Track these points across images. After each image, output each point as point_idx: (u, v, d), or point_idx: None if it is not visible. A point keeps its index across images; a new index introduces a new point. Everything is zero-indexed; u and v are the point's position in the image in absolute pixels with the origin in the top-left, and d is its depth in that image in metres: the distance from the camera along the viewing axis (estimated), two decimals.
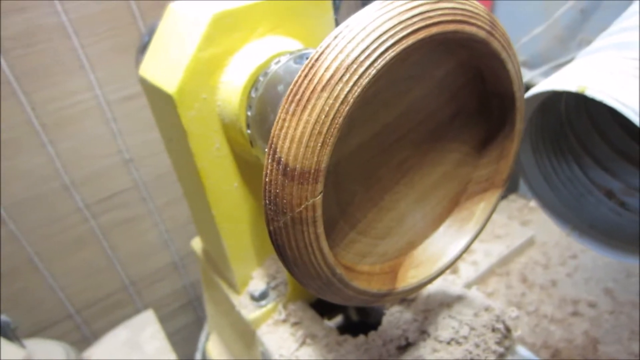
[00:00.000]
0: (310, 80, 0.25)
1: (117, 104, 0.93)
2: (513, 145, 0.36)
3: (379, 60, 0.25)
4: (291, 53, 0.41)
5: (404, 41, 0.25)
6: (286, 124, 0.25)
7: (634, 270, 0.78)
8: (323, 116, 0.25)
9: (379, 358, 0.44)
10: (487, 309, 0.43)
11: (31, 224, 0.92)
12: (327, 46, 0.25)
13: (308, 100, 0.25)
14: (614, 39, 0.45)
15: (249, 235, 0.52)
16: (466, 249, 0.38)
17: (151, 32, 0.56)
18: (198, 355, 0.86)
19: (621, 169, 0.51)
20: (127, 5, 0.88)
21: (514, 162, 0.37)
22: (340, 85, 0.24)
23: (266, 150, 0.26)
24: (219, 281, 0.59)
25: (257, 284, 0.53)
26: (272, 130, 0.26)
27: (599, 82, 0.38)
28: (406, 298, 0.48)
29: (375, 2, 0.26)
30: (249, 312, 0.52)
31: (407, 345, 0.44)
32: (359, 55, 0.25)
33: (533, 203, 0.98)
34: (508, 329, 0.42)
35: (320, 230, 0.27)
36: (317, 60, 0.25)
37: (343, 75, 0.24)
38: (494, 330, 0.42)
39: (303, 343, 0.48)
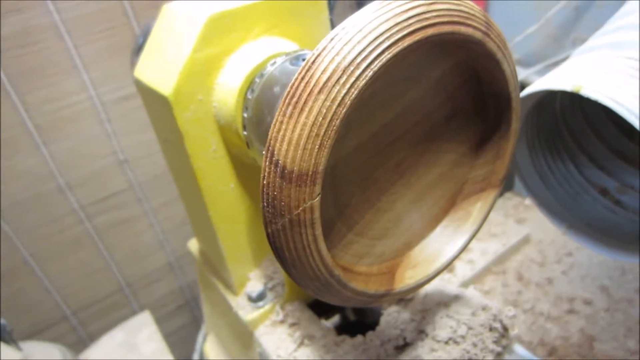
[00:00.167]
0: (307, 83, 0.25)
1: (111, 105, 0.93)
2: (509, 145, 0.36)
3: (376, 62, 0.25)
4: (287, 54, 0.41)
5: (400, 43, 0.25)
6: (283, 127, 0.25)
7: (629, 268, 0.78)
8: (320, 118, 0.25)
9: (377, 358, 0.44)
10: (484, 308, 0.43)
11: (26, 226, 0.91)
12: (324, 48, 0.25)
13: (305, 102, 0.25)
14: (609, 38, 0.45)
15: (245, 236, 0.52)
16: (463, 249, 0.38)
17: (146, 33, 0.56)
18: (195, 356, 0.86)
19: (616, 168, 0.51)
20: (121, 5, 0.87)
21: (510, 162, 0.37)
22: (337, 87, 0.24)
23: (263, 152, 0.26)
24: (216, 282, 0.59)
25: (255, 285, 0.53)
26: (270, 133, 0.26)
27: (594, 81, 0.38)
28: (404, 298, 0.48)
29: (371, 3, 0.26)
30: (247, 313, 0.52)
31: (405, 345, 0.44)
32: (355, 58, 0.25)
33: (528, 201, 0.98)
34: (505, 328, 0.43)
35: (318, 232, 0.27)
36: (313, 62, 0.25)
37: (340, 77, 0.24)
38: (491, 329, 0.42)
39: (301, 344, 0.48)
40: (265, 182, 0.26)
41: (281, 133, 0.25)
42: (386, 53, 0.25)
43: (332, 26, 0.49)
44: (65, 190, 0.93)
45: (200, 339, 0.88)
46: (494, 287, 0.81)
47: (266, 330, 0.52)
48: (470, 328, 0.42)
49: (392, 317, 0.46)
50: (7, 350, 0.69)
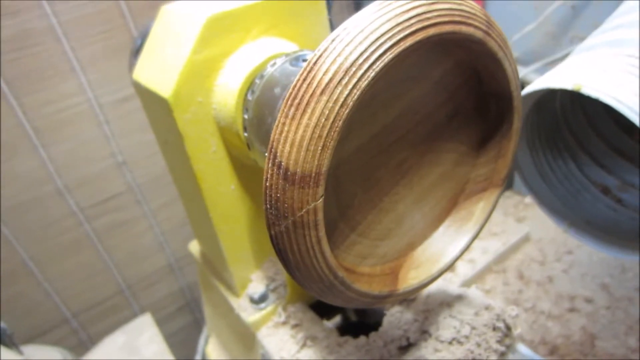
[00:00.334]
0: (309, 84, 0.25)
1: (109, 107, 0.93)
2: (511, 144, 0.36)
3: (378, 63, 0.25)
4: (287, 55, 0.40)
5: (401, 43, 0.25)
6: (286, 128, 0.25)
7: (630, 266, 0.78)
8: (323, 120, 0.24)
9: (380, 359, 0.44)
10: (487, 307, 0.43)
11: (25, 228, 0.91)
12: (325, 49, 0.25)
13: (307, 104, 0.25)
14: (608, 36, 0.45)
15: (247, 238, 0.51)
16: (466, 248, 0.38)
17: (144, 35, 0.56)
18: (198, 358, 0.86)
19: (617, 166, 0.51)
20: (118, 7, 0.87)
21: (512, 161, 0.37)
22: (340, 88, 0.24)
23: (266, 154, 0.26)
24: (218, 284, 0.59)
25: (256, 286, 0.53)
26: (272, 135, 0.25)
27: (594, 80, 0.38)
28: (406, 299, 0.48)
29: (372, 4, 0.26)
30: (249, 314, 0.52)
31: (408, 346, 0.44)
32: (357, 58, 0.24)
33: (528, 199, 0.98)
34: (509, 328, 0.43)
35: (322, 233, 0.27)
36: (315, 63, 0.25)
37: (342, 78, 0.24)
38: (494, 329, 0.42)
39: (304, 345, 0.48)
40: (268, 184, 0.26)
41: (283, 135, 0.25)
42: (388, 53, 0.25)
43: (331, 26, 0.49)
44: (64, 193, 0.93)
45: (202, 340, 0.88)
46: (494, 286, 0.81)
47: (268, 332, 0.51)
48: (473, 328, 0.42)
49: (395, 317, 0.46)
50: (7, 354, 0.68)
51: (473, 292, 0.46)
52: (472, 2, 0.29)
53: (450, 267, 0.37)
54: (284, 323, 0.52)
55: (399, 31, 0.25)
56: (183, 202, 0.59)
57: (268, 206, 0.27)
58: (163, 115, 0.44)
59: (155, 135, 0.54)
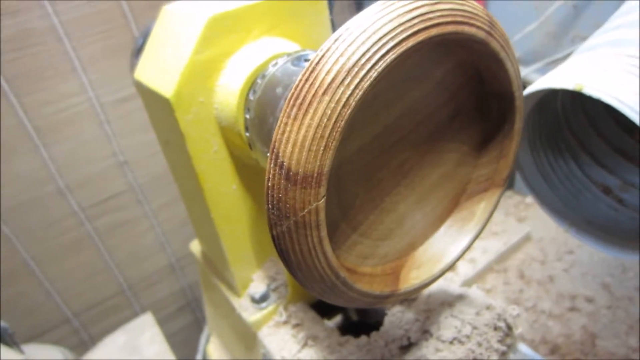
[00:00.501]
0: (311, 84, 0.25)
1: (110, 106, 0.93)
2: (512, 145, 0.36)
3: (380, 63, 0.25)
4: (288, 55, 0.40)
5: (404, 43, 0.25)
6: (288, 128, 0.25)
7: (630, 265, 0.78)
8: (325, 120, 0.24)
9: (381, 358, 0.44)
10: (488, 307, 0.43)
11: (26, 228, 0.91)
12: (328, 49, 0.25)
13: (310, 104, 0.25)
14: (609, 36, 0.45)
15: (248, 238, 0.51)
16: (467, 248, 0.38)
17: (145, 35, 0.56)
18: (199, 358, 0.86)
19: (618, 166, 0.51)
20: (119, 7, 0.87)
21: (513, 161, 0.37)
22: (342, 88, 0.24)
23: (268, 154, 0.26)
24: (219, 284, 0.59)
25: (257, 286, 0.53)
26: (274, 135, 0.26)
27: (596, 80, 0.38)
28: (407, 298, 0.48)
29: (374, 4, 0.26)
30: (250, 314, 0.52)
31: (409, 345, 0.44)
32: (359, 58, 0.25)
33: (529, 199, 0.98)
34: (510, 327, 0.43)
35: (324, 233, 0.27)
36: (317, 63, 0.25)
37: (344, 78, 0.24)
38: (496, 328, 0.42)
39: (305, 344, 0.48)
40: (270, 184, 0.26)
41: (286, 135, 0.25)
42: (390, 54, 0.25)
43: (333, 26, 0.49)
44: (65, 193, 0.93)
45: (203, 340, 0.88)
46: (495, 285, 0.81)
47: (270, 332, 0.51)
48: (474, 327, 0.42)
49: (396, 317, 0.46)
50: (8, 353, 0.69)
51: (474, 291, 0.46)
52: (475, 3, 0.29)
53: (451, 267, 0.37)
54: (285, 323, 0.52)
55: (402, 31, 0.25)
56: (184, 202, 0.59)
57: (270, 206, 0.27)
58: (165, 115, 0.44)
59: (156, 135, 0.54)
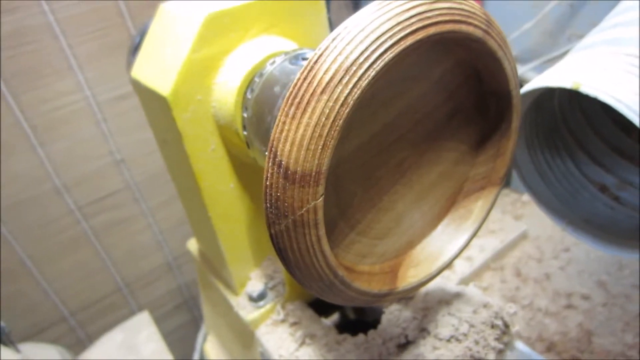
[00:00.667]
0: (309, 83, 0.25)
1: (107, 105, 0.92)
2: (510, 143, 0.37)
3: (378, 62, 0.25)
4: (286, 53, 0.40)
5: (402, 42, 0.25)
6: (286, 127, 0.25)
7: (626, 263, 0.79)
8: (323, 119, 0.24)
9: (379, 356, 0.44)
10: (485, 305, 0.43)
11: (23, 227, 0.91)
12: (326, 48, 0.25)
13: (308, 103, 0.25)
14: (606, 35, 0.45)
15: (246, 236, 0.51)
16: (465, 247, 0.38)
17: (142, 33, 0.56)
18: (196, 356, 0.86)
19: (615, 164, 0.51)
20: (116, 5, 0.87)
21: (511, 160, 0.37)
22: (340, 87, 0.24)
23: (266, 153, 0.26)
24: (216, 282, 0.59)
25: (255, 284, 0.53)
26: (272, 134, 0.26)
27: (593, 79, 0.38)
28: (405, 297, 0.48)
29: (372, 3, 0.26)
30: (248, 312, 0.52)
31: (407, 344, 0.44)
32: (358, 57, 0.25)
33: (526, 197, 0.99)
34: (507, 325, 0.43)
35: (322, 232, 0.27)
36: (316, 62, 0.25)
37: (342, 77, 0.24)
38: (493, 326, 0.42)
39: (302, 343, 0.48)
40: (268, 183, 0.26)
41: (284, 134, 0.25)
42: (388, 52, 0.25)
43: (331, 24, 0.49)
44: (62, 191, 0.93)
45: (200, 338, 0.88)
46: (492, 283, 0.81)
47: (267, 330, 0.52)
48: (472, 326, 0.42)
49: (393, 315, 0.46)
50: (5, 352, 0.68)
51: (471, 290, 0.46)
52: (472, 1, 0.29)
53: (449, 265, 0.37)
54: (283, 321, 0.52)
55: (400, 30, 0.25)
56: (182, 201, 0.59)
57: (268, 205, 0.27)
58: (162, 114, 0.44)
59: (153, 133, 0.53)
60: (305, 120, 0.25)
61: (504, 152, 0.37)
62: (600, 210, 0.51)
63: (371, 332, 0.46)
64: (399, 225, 0.36)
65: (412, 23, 0.25)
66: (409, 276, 0.36)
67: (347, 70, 0.24)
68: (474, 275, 0.83)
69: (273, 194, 0.26)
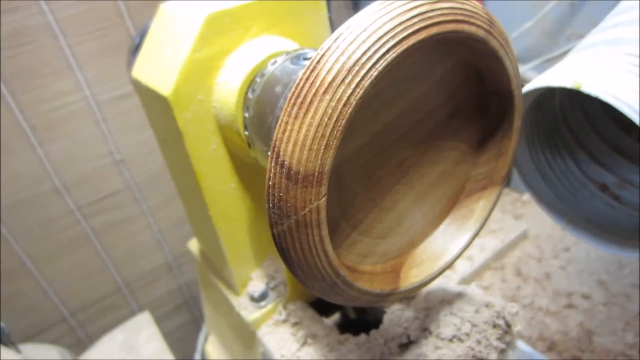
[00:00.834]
0: (312, 83, 0.25)
1: (106, 105, 0.92)
2: (511, 143, 0.37)
3: (381, 62, 0.25)
4: (287, 53, 0.40)
5: (404, 42, 0.25)
6: (289, 127, 0.25)
7: (627, 262, 0.79)
8: (326, 119, 0.24)
9: (380, 356, 0.44)
10: (487, 305, 0.43)
11: (23, 227, 0.91)
12: (328, 48, 0.25)
13: (311, 103, 0.25)
14: (607, 34, 0.45)
15: (247, 236, 0.51)
16: (467, 246, 0.38)
17: (143, 33, 0.56)
18: (197, 356, 0.86)
19: (615, 163, 0.51)
20: (115, 5, 0.87)
21: (512, 160, 0.37)
22: (343, 87, 0.24)
23: (268, 153, 0.26)
24: (217, 282, 0.59)
25: (256, 284, 0.53)
26: (275, 134, 0.25)
27: (594, 78, 0.38)
28: (407, 296, 0.48)
29: (374, 2, 0.26)
30: (249, 313, 0.52)
31: (409, 343, 0.44)
32: (360, 57, 0.25)
33: (526, 197, 0.99)
34: (509, 325, 0.43)
35: (325, 232, 0.27)
36: (318, 62, 0.25)
37: (345, 77, 0.24)
38: (495, 326, 0.42)
39: (304, 343, 0.48)
40: (270, 183, 0.26)
41: (286, 134, 0.25)
42: (391, 52, 0.25)
43: (331, 24, 0.49)
44: (61, 191, 0.93)
45: (201, 339, 0.88)
46: (493, 283, 0.82)
47: (269, 330, 0.51)
48: (474, 325, 0.42)
49: (395, 315, 0.46)
50: (6, 353, 0.68)
51: (473, 289, 0.46)
52: (474, 1, 0.29)
53: (451, 265, 0.37)
54: (284, 321, 0.52)
55: (402, 30, 0.25)
56: (182, 201, 0.58)
57: (271, 205, 0.27)
58: (163, 114, 0.44)
59: (154, 133, 0.53)
60: (308, 120, 0.25)
61: (506, 151, 0.37)
62: (600, 210, 0.51)
63: (373, 332, 0.46)
64: (401, 224, 0.36)
65: (415, 23, 0.25)
66: (411, 276, 0.36)
67: (349, 70, 0.24)
68: (475, 275, 0.83)
69: (276, 194, 0.26)
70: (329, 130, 0.25)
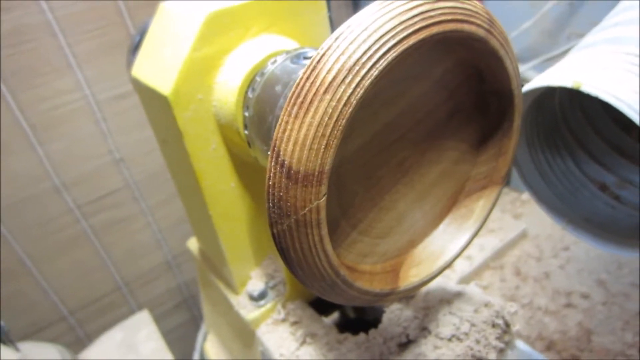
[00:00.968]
0: (312, 83, 0.25)
1: (106, 104, 0.92)
2: (511, 142, 0.37)
3: (381, 61, 0.25)
4: (287, 52, 0.40)
5: (405, 41, 0.25)
6: (289, 127, 0.25)
7: (626, 262, 0.79)
8: (326, 118, 0.24)
9: (379, 356, 0.44)
10: (486, 304, 0.43)
11: (22, 226, 0.90)
12: (329, 48, 0.25)
13: (311, 102, 0.25)
14: (607, 33, 0.45)
15: (246, 235, 0.51)
16: (466, 246, 0.38)
17: (142, 32, 0.56)
18: (196, 356, 0.86)
19: (615, 163, 0.51)
20: (115, 4, 0.87)
21: (512, 159, 0.37)
22: (343, 87, 0.24)
23: (268, 152, 0.26)
24: (217, 281, 0.59)
25: (256, 283, 0.53)
26: (275, 133, 0.25)
27: (594, 78, 0.38)
28: (407, 296, 0.48)
29: (375, 2, 0.26)
30: (248, 312, 0.52)
31: (408, 343, 0.44)
32: (360, 57, 0.24)
33: (525, 196, 0.99)
34: (507, 324, 0.43)
35: (325, 232, 0.27)
36: (318, 62, 0.25)
37: (345, 77, 0.24)
38: (494, 325, 0.42)
39: (303, 342, 0.48)
40: (270, 182, 0.26)
41: (287, 133, 0.25)
42: (391, 52, 0.25)
43: (331, 23, 0.49)
44: (61, 190, 0.92)
45: (200, 338, 0.88)
46: (492, 282, 0.82)
47: (268, 329, 0.52)
48: (473, 325, 0.42)
49: (394, 314, 0.46)
50: (4, 351, 0.68)
51: (472, 289, 0.46)
52: (474, 1, 0.29)
53: (450, 264, 0.37)
54: (284, 320, 0.52)
55: (403, 29, 0.25)
56: (182, 200, 0.58)
57: (270, 205, 0.27)
58: (162, 113, 0.44)
59: (154, 132, 0.53)
60: (308, 120, 0.25)
61: (506, 151, 0.37)
62: (600, 209, 0.51)
63: (372, 332, 0.47)
64: (401, 224, 0.36)
65: (415, 22, 0.25)
66: (411, 275, 0.36)
67: (350, 70, 0.24)
68: (474, 274, 0.83)
69: (276, 194, 0.26)
70: (329, 130, 0.25)
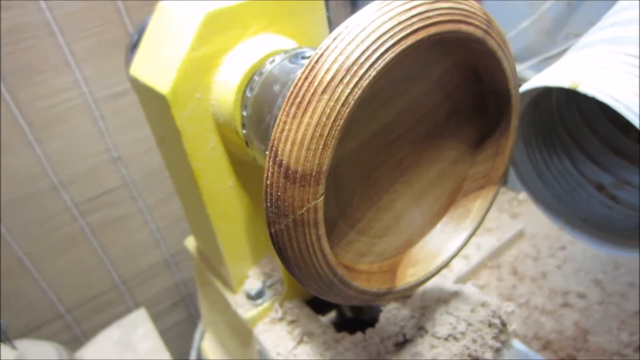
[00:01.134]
0: (310, 83, 0.25)
1: (104, 102, 0.92)
2: (509, 142, 0.37)
3: (379, 62, 0.25)
4: (286, 52, 0.40)
5: (403, 42, 0.25)
6: (287, 127, 0.25)
7: (623, 262, 0.79)
8: (324, 119, 0.25)
9: (376, 355, 0.44)
10: (483, 304, 0.44)
11: (20, 224, 0.90)
12: (327, 48, 0.25)
13: (309, 102, 0.25)
14: (605, 33, 0.45)
15: (244, 234, 0.51)
16: (464, 246, 0.38)
17: (141, 31, 0.55)
18: (193, 355, 0.86)
19: (612, 163, 0.51)
20: (113, 2, 0.86)
21: (510, 159, 0.37)
22: (341, 87, 0.24)
23: (266, 152, 0.26)
24: (214, 280, 0.59)
25: (253, 282, 0.53)
26: (273, 133, 0.26)
27: (592, 78, 0.38)
28: (404, 295, 0.48)
29: (373, 2, 0.26)
30: (245, 311, 0.52)
31: (404, 342, 0.44)
32: (359, 57, 0.25)
33: (522, 196, 0.99)
34: (504, 324, 0.43)
35: (322, 231, 0.27)
36: (317, 62, 0.25)
37: (343, 77, 0.24)
38: (490, 325, 0.42)
39: (300, 341, 0.48)
40: (268, 182, 0.26)
41: (285, 133, 0.25)
42: (389, 52, 0.25)
43: (330, 23, 0.49)
44: (59, 188, 0.92)
45: (197, 336, 0.88)
46: (489, 281, 0.82)
47: (265, 328, 0.52)
48: (469, 324, 0.42)
49: (391, 314, 0.46)
50: (1, 349, 0.68)
51: (469, 288, 0.47)
52: (472, 1, 0.29)
53: (447, 264, 0.38)
54: (281, 319, 0.52)
55: (401, 30, 0.25)
56: (180, 199, 0.58)
57: (268, 204, 0.27)
58: (161, 112, 0.44)
59: (152, 131, 0.53)
60: (306, 119, 0.25)
61: (503, 151, 0.37)
62: (597, 209, 0.51)
63: (369, 331, 0.47)
64: (398, 224, 0.36)
65: (413, 23, 0.25)
66: (408, 275, 0.36)
67: (348, 70, 0.24)
68: (471, 274, 0.83)
69: (273, 194, 0.26)
70: (327, 130, 0.25)
